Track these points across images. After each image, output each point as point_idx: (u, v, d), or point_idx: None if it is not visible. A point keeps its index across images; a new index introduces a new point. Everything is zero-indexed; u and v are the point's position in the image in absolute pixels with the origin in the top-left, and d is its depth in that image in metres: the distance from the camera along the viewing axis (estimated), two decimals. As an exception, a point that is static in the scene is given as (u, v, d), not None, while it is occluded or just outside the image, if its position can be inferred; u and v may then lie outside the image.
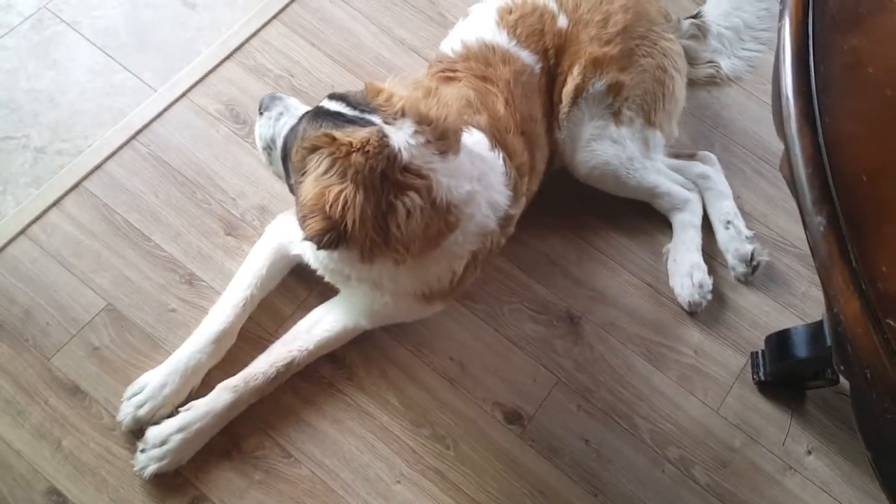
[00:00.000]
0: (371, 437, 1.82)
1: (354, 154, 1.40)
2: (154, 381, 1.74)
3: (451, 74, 1.86)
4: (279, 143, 1.63)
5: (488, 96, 1.78)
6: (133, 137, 2.11)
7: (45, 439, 1.74)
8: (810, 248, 0.98)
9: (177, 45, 2.26)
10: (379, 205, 1.41)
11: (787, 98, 1.02)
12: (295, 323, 1.87)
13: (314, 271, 1.78)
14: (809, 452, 1.90)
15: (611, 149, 1.94)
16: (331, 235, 1.42)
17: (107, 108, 2.15)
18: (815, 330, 1.75)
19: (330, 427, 1.82)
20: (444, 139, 1.48)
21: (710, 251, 2.08)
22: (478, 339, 1.95)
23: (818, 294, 2.08)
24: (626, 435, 1.88)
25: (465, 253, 1.61)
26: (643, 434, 1.88)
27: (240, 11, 2.33)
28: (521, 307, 2.00)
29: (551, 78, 1.93)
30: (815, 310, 2.05)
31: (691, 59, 2.22)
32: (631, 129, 1.95)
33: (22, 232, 1.96)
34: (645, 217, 2.12)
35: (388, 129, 1.44)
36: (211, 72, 2.23)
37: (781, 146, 2.37)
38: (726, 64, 2.30)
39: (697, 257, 2.02)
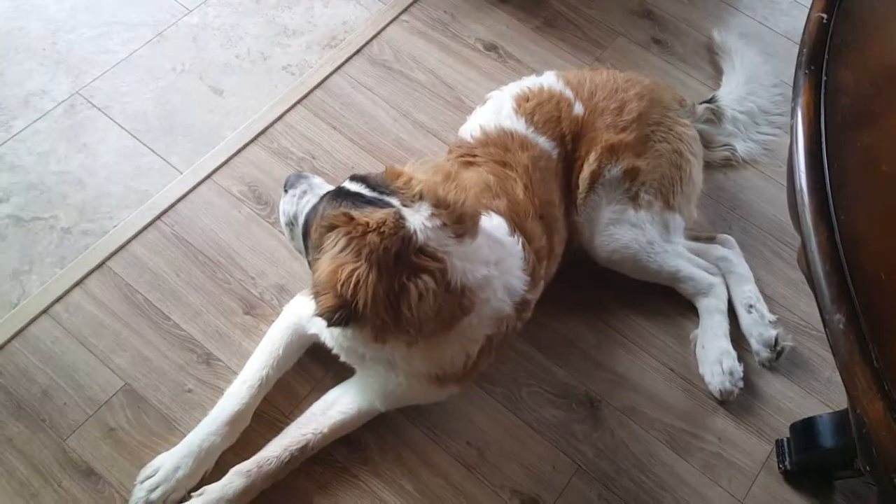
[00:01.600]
0: (385, 525, 1.78)
1: (370, 234, 1.41)
2: (167, 463, 1.72)
3: (470, 159, 1.90)
4: (301, 220, 1.66)
5: (507, 181, 1.81)
6: (157, 218, 2.16)
7: (57, 524, 1.73)
8: (830, 345, 0.96)
9: (204, 130, 2.33)
10: (392, 285, 1.42)
11: (802, 194, 1.02)
12: (310, 404, 1.85)
13: (330, 351, 1.78)
14: (839, 547, 1.82)
15: (630, 232, 1.95)
16: (341, 313, 1.42)
17: (133, 190, 2.20)
18: (842, 419, 1.70)
19: (343, 514, 1.79)
20: (460, 223, 1.49)
21: (733, 335, 2.04)
22: (496, 422, 1.92)
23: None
24: (648, 526, 1.82)
25: (480, 336, 1.60)
26: (666, 525, 1.82)
27: (265, 97, 2.40)
28: (539, 390, 1.97)
29: (569, 163, 1.96)
30: (840, 396, 2.00)
31: (707, 143, 2.24)
32: (650, 213, 1.96)
33: (45, 311, 1.99)
34: (665, 299, 2.10)
35: (405, 212, 1.46)
36: (235, 154, 2.29)
37: (800, 229, 2.35)
38: (742, 147, 2.32)
39: (726, 344, 1.99)
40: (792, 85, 1.27)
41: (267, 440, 1.79)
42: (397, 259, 1.42)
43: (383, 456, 1.85)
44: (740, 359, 1.98)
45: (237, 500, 1.68)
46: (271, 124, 2.36)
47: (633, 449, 1.91)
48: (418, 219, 1.46)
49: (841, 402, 1.99)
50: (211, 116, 2.36)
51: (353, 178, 1.58)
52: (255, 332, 1.99)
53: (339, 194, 1.55)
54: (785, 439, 1.90)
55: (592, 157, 1.93)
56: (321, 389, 1.89)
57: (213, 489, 1.68)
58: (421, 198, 1.48)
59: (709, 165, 2.29)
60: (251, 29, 2.56)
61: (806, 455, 1.81)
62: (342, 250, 1.43)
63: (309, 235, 1.58)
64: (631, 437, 1.92)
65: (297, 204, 1.68)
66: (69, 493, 1.76)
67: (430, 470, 1.85)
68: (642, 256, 1.97)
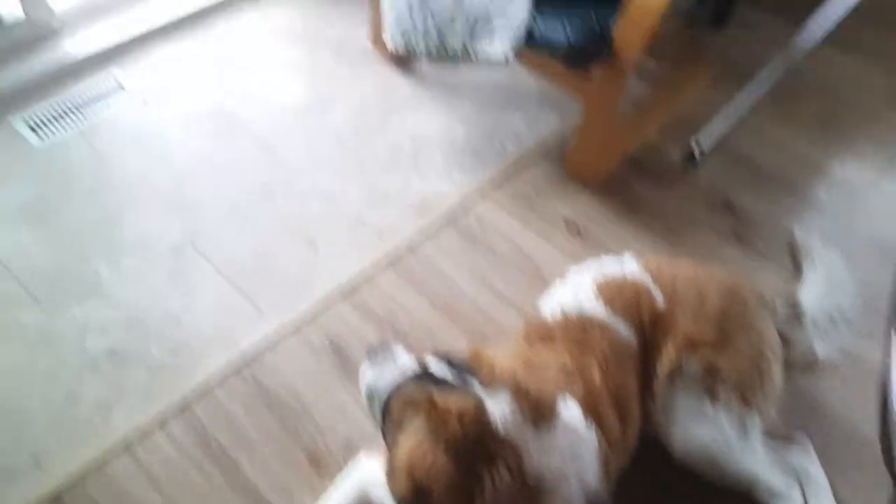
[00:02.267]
0: None
1: (451, 420, 1.44)
2: None
3: (548, 338, 1.93)
4: (381, 393, 1.69)
5: (584, 365, 1.83)
6: (244, 365, 2.25)
7: None
8: None
9: (296, 281, 2.46)
10: (467, 474, 1.42)
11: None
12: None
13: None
14: None
15: (707, 431, 1.91)
16: (414, 498, 1.43)
17: (223, 334, 2.32)
18: None
19: None
20: (538, 411, 1.51)
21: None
22: None
23: None
24: None
25: (551, 529, 1.57)
26: None
27: (357, 256, 2.54)
28: (602, 586, 1.89)
29: (647, 352, 1.97)
30: None
31: (787, 343, 2.22)
32: (728, 412, 1.93)
33: (126, 448, 2.05)
34: (738, 499, 2.02)
35: (485, 398, 1.49)
36: (323, 309, 2.39)
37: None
38: (821, 349, 2.28)
39: None
40: (876, 298, 1.26)
41: None
42: (475, 447, 1.43)
43: None
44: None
45: None
46: (360, 283, 2.47)
47: None
48: (499, 407, 1.48)
49: None
50: (304, 270, 2.50)
51: (436, 357, 1.63)
52: (319, 488, 1.99)
53: (422, 374, 1.60)
54: None
55: (671, 349, 1.94)
56: (381, 555, 1.86)
57: None
58: (501, 384, 1.51)
59: (788, 366, 2.25)
60: (353, 193, 2.75)
61: None
62: (421, 434, 1.45)
63: (388, 410, 1.62)
64: None
65: (379, 376, 1.72)
66: None
67: None
68: (720, 458, 1.91)
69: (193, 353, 2.27)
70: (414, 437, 1.46)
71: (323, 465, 2.05)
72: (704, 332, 1.95)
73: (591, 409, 1.73)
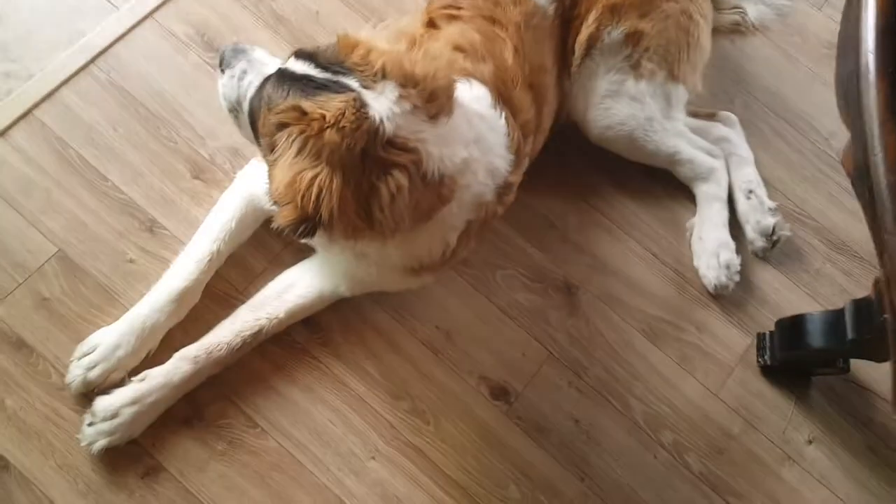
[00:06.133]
0: (345, 409, 1.68)
1: (328, 131, 1.19)
2: (107, 340, 1.57)
3: (454, 12, 1.64)
4: (245, 106, 1.40)
5: (495, 42, 1.57)
6: (91, 61, 1.88)
7: (-14, 399, 1.59)
8: (883, 264, 0.81)
9: (143, -44, 2.00)
10: (360, 187, 1.22)
11: (867, 80, 0.82)
12: (266, 280, 1.70)
13: (289, 226, 1.60)
14: (810, 442, 1.79)
15: (628, 107, 1.74)
16: (305, 226, 1.23)
17: (63, 28, 1.90)
18: (834, 319, 1.61)
19: (301, 396, 1.67)
20: (433, 101, 1.27)
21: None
22: (466, 306, 1.80)
23: (832, 272, 1.95)
24: (618, 416, 1.75)
25: (460, 223, 1.43)
26: (636, 416, 1.76)
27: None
28: (514, 273, 1.84)
29: (565, 21, 1.71)
30: (829, 289, 1.92)
31: (716, 4, 1.99)
32: (651, 85, 1.74)
33: (-39, 164, 1.75)
34: (654, 179, 1.94)
35: (366, 96, 1.23)
36: (180, -11, 1.98)
37: (808, 106, 2.16)
38: (753, 11, 2.06)
39: (725, 234, 1.85)
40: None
41: (217, 316, 1.65)
42: (363, 156, 1.21)
43: (346, 338, 1.73)
44: (738, 250, 1.86)
45: (183, 386, 1.55)
46: (221, -47, 2.03)
47: (608, 337, 1.82)
48: (384, 103, 1.23)
49: (828, 295, 1.91)
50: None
51: (299, 55, 1.32)
52: (204, 199, 1.79)
53: (285, 77, 1.30)
54: (767, 333, 1.82)
55: (591, 17, 1.68)
56: (279, 265, 1.73)
57: (157, 374, 1.54)
58: (384, 75, 1.24)
59: (715, 31, 2.04)
60: None
61: (790, 353, 1.73)
62: (298, 153, 1.21)
63: (257, 126, 1.35)
64: (607, 325, 1.83)
65: (237, 87, 1.41)
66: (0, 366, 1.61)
67: (395, 354, 1.74)
68: (639, 135, 1.77)
69: (28, 53, 1.87)
70: (290, 161, 1.22)
71: (207, 175, 1.82)
72: (629, -7, 1.69)
73: (502, 93, 1.51)
